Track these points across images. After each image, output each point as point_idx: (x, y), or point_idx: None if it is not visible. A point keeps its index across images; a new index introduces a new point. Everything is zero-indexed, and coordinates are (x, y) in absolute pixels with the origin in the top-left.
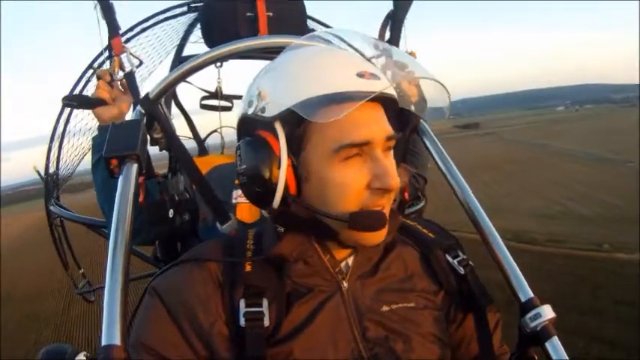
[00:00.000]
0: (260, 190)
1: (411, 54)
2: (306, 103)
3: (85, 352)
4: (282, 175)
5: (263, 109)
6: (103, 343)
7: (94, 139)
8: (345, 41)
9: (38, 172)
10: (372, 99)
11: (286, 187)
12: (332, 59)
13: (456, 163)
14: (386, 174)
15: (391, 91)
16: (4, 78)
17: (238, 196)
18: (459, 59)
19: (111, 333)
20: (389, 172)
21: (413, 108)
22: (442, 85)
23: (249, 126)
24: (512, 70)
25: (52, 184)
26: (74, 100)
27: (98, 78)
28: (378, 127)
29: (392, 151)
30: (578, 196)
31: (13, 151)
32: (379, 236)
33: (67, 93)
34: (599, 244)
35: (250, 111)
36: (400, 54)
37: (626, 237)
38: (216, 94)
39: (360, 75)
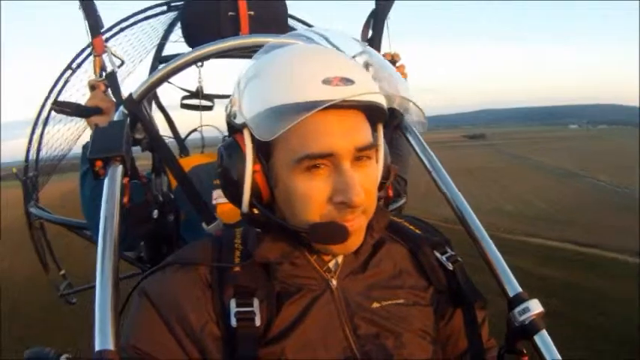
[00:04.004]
0: (231, 193)
1: (394, 56)
2: (261, 115)
3: (66, 355)
4: (248, 181)
5: (235, 115)
6: (97, 347)
7: (84, 147)
8: (327, 40)
9: (17, 174)
10: (350, 106)
11: (259, 192)
12: (299, 65)
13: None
14: (348, 188)
15: (368, 97)
16: (17, 55)
17: (218, 197)
18: (485, 69)
19: (104, 337)
20: (352, 186)
21: (395, 106)
22: (412, 101)
23: (229, 126)
24: (536, 85)
25: (30, 186)
26: (67, 107)
27: (92, 88)
28: (343, 137)
29: (370, 162)
30: (516, 199)
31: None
32: (346, 247)
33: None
34: (510, 231)
35: (227, 112)
36: (378, 62)
37: (536, 229)
38: (197, 94)
39: (327, 81)
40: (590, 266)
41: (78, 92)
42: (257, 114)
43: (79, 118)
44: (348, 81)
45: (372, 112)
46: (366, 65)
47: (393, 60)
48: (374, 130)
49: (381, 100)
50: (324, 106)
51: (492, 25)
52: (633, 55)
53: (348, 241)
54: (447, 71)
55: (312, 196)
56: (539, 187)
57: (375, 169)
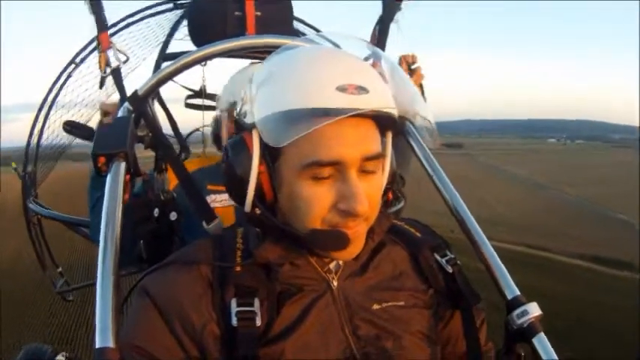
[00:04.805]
0: (235, 192)
1: (412, 57)
2: (272, 118)
3: (64, 353)
4: (252, 181)
5: (244, 114)
6: (97, 345)
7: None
8: (339, 46)
9: (16, 169)
10: (359, 114)
11: (262, 192)
12: (313, 68)
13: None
14: (353, 197)
15: (380, 106)
16: (22, 40)
17: (212, 201)
18: (471, 78)
19: (104, 335)
20: (356, 195)
21: (407, 117)
22: (428, 119)
23: (237, 124)
24: (520, 98)
25: (29, 182)
26: (78, 129)
27: (105, 114)
28: (353, 147)
29: (376, 175)
30: (482, 204)
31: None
32: (346, 254)
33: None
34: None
35: (237, 111)
36: (391, 69)
37: (495, 233)
38: (201, 93)
39: (341, 88)
40: (538, 267)
41: (80, 87)
42: (267, 116)
43: (85, 108)
44: (362, 89)
45: (382, 121)
46: (380, 72)
47: (412, 62)
48: (382, 136)
49: (393, 110)
50: (340, 118)
51: (476, 36)
52: (616, 74)
53: (348, 249)
54: (430, 80)
55: (315, 202)
56: (506, 196)
57: (380, 178)
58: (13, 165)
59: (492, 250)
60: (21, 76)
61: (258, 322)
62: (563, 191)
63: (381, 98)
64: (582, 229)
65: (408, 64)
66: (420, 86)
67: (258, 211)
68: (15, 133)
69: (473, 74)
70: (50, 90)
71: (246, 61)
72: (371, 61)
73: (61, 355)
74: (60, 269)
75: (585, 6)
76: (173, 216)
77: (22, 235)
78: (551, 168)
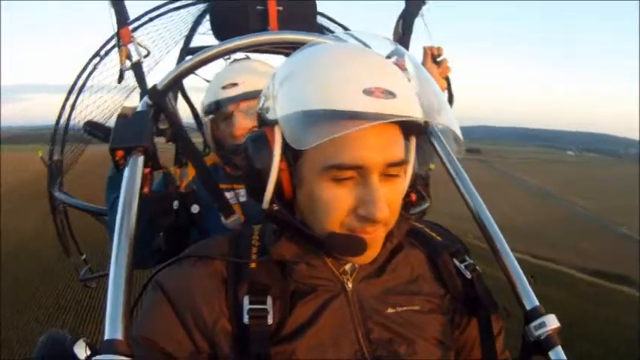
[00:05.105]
0: (253, 188)
1: (438, 49)
2: (295, 117)
3: (84, 338)
4: (272, 178)
5: (267, 109)
6: (106, 337)
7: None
8: (364, 44)
9: (42, 158)
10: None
11: (281, 190)
12: (339, 67)
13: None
14: (373, 203)
15: (408, 114)
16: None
17: None
18: (493, 85)
19: (114, 327)
20: (377, 201)
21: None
22: (453, 130)
23: (259, 119)
24: (539, 108)
25: (55, 171)
26: (99, 131)
27: (125, 117)
28: (376, 152)
29: (399, 180)
30: (493, 210)
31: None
32: (362, 258)
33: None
34: (480, 237)
35: (260, 106)
36: (418, 73)
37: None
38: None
39: (368, 92)
40: (539, 275)
41: (105, 80)
42: (290, 115)
43: (116, 93)
44: (389, 94)
45: (408, 126)
46: (403, 70)
47: (437, 54)
48: (406, 140)
49: (419, 115)
50: (367, 125)
51: (498, 42)
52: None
53: (365, 254)
54: (455, 74)
55: (335, 205)
56: (519, 203)
57: (403, 182)
58: (39, 153)
59: (513, 258)
60: (31, 56)
61: (270, 321)
62: (571, 202)
63: (409, 105)
64: (586, 242)
65: (434, 57)
66: (447, 79)
67: (275, 207)
68: (25, 111)
69: (495, 80)
70: (75, 82)
71: (269, 56)
72: (394, 58)
73: (81, 341)
74: (84, 257)
75: (617, 16)
76: (195, 209)
77: (39, 213)
78: (566, 179)
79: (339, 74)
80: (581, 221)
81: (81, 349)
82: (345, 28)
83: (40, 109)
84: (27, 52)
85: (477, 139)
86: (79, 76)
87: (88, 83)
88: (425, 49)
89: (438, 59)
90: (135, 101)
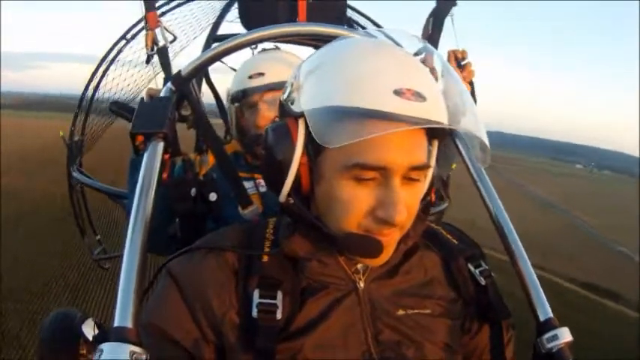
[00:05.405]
0: (271, 180)
1: (462, 53)
2: (320, 112)
3: (93, 317)
4: (292, 171)
5: (293, 101)
6: (116, 324)
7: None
8: (395, 41)
9: (64, 138)
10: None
11: (300, 184)
12: (368, 63)
13: None
14: (392, 206)
15: (437, 119)
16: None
17: None
18: (510, 89)
19: (124, 315)
20: (396, 205)
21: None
22: (483, 141)
23: (282, 109)
24: (562, 119)
25: (76, 150)
26: (125, 111)
27: (151, 98)
28: (400, 154)
29: (419, 184)
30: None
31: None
32: (376, 260)
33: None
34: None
35: (284, 96)
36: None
37: (499, 245)
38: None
39: (398, 92)
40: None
41: (130, 63)
42: (316, 109)
43: (145, 69)
44: (419, 96)
45: (432, 129)
46: (431, 68)
47: (462, 57)
48: (429, 143)
49: (445, 119)
50: (402, 129)
51: (517, 49)
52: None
53: (379, 256)
54: (479, 78)
55: (355, 205)
56: (519, 211)
57: (422, 186)
58: (61, 134)
59: (530, 266)
60: (51, 25)
61: (279, 316)
62: (574, 215)
63: (438, 110)
64: (582, 255)
65: (458, 60)
66: (471, 83)
67: (291, 200)
68: (39, 79)
69: (513, 85)
70: (100, 64)
71: (296, 47)
72: (422, 55)
73: (90, 319)
74: (99, 237)
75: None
76: (213, 197)
77: (47, 177)
78: (572, 193)
79: (369, 71)
80: (579, 234)
81: (89, 329)
82: (377, 24)
83: (57, 78)
84: (47, 20)
85: (492, 145)
86: (103, 59)
87: (112, 67)
88: (449, 53)
89: (462, 62)
90: (160, 84)
